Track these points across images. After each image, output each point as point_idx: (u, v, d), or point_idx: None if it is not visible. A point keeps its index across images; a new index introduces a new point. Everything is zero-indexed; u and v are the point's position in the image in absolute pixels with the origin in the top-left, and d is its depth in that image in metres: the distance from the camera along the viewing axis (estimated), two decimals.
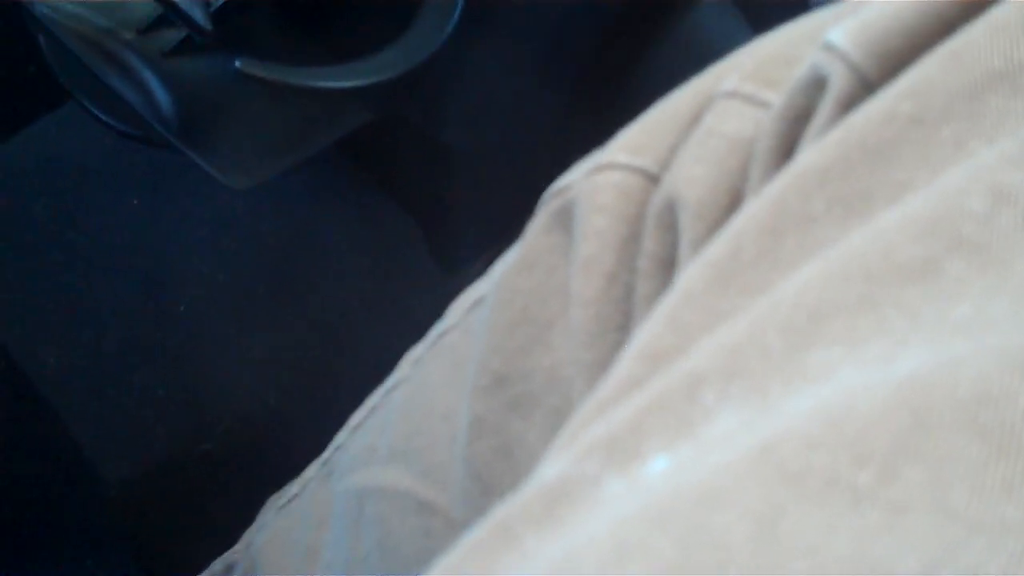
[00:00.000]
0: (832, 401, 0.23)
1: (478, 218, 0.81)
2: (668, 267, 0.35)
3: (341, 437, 0.51)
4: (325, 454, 0.53)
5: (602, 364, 0.36)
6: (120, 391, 0.75)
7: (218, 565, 0.62)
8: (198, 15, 0.61)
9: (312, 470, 0.54)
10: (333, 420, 0.53)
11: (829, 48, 0.31)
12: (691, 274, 0.29)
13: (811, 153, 0.29)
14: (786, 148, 0.32)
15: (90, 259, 0.78)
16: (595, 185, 0.37)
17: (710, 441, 0.24)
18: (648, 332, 0.29)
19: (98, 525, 0.68)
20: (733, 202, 0.33)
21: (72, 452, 0.70)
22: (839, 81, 0.31)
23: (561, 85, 0.76)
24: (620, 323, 0.36)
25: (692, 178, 0.34)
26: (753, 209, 0.29)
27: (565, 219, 0.38)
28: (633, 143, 0.37)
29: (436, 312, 0.46)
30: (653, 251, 0.35)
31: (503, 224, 0.58)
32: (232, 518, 0.63)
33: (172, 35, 0.63)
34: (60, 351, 0.75)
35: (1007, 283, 0.24)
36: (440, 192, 0.80)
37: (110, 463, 0.73)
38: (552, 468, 0.26)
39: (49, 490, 0.67)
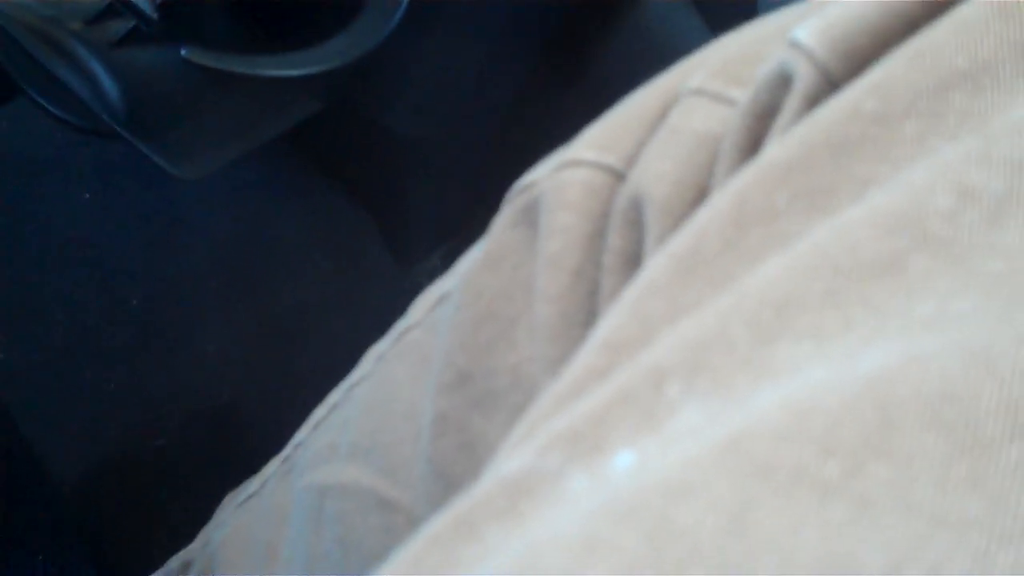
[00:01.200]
0: (799, 396, 0.23)
1: (432, 210, 0.81)
2: (633, 264, 0.35)
3: (301, 434, 0.51)
4: (285, 451, 0.53)
5: (566, 361, 0.36)
6: (70, 386, 0.75)
7: (174, 563, 0.62)
8: (145, 4, 0.61)
9: (272, 467, 0.54)
10: (287, 415, 0.52)
11: (795, 46, 0.31)
12: (655, 265, 0.29)
13: (775, 148, 0.29)
14: (752, 145, 0.32)
15: (41, 253, 0.77)
16: (561, 182, 0.37)
17: (675, 435, 0.24)
18: (611, 322, 0.29)
19: (50, 522, 0.68)
20: (699, 198, 0.33)
21: (22, 448, 0.69)
22: (804, 79, 0.31)
23: (512, 76, 0.75)
24: (585, 320, 0.36)
25: (658, 174, 0.34)
26: (717, 202, 0.29)
27: (531, 216, 0.38)
28: (599, 140, 0.37)
29: (392, 305, 0.46)
30: (619, 248, 0.35)
31: (457, 217, 0.58)
32: (189, 515, 0.63)
33: (119, 25, 0.63)
34: (9, 346, 0.74)
35: (972, 280, 0.24)
36: (393, 184, 0.80)
37: (61, 459, 0.72)
38: (513, 461, 0.26)
39: None
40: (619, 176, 0.36)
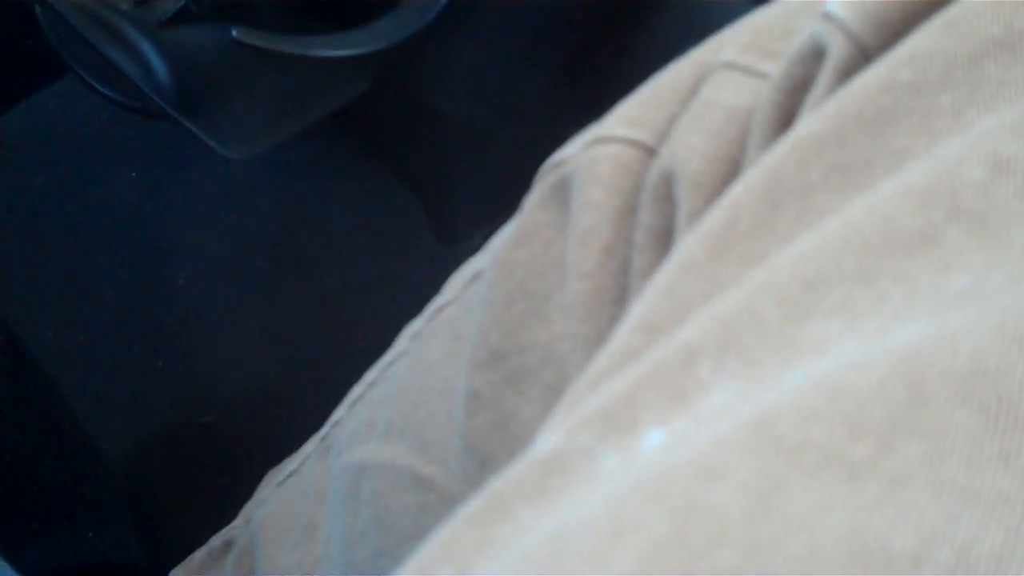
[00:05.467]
0: (829, 374, 0.23)
1: (476, 190, 0.81)
2: (665, 240, 0.35)
3: (339, 412, 0.51)
4: (324, 429, 0.53)
5: (598, 337, 0.36)
6: (119, 364, 0.75)
7: (217, 541, 0.62)
8: None
9: (311, 445, 0.54)
10: (333, 394, 0.52)
11: (828, 18, 0.31)
12: (688, 244, 0.29)
13: (809, 122, 0.29)
14: (784, 119, 0.32)
15: (89, 231, 0.78)
16: (592, 158, 0.37)
17: (706, 414, 0.24)
18: (645, 303, 0.29)
19: (97, 498, 0.68)
20: (730, 173, 0.33)
21: (71, 425, 0.70)
22: (837, 51, 0.30)
23: (558, 56, 0.75)
24: (616, 296, 0.36)
25: (690, 148, 0.34)
26: (751, 178, 0.29)
27: (562, 192, 0.38)
28: (630, 116, 0.37)
29: (435, 286, 0.46)
30: (650, 224, 0.35)
31: (502, 196, 0.58)
32: (232, 492, 0.63)
33: (169, 5, 0.63)
34: (59, 324, 0.75)
35: (1005, 254, 0.24)
36: (438, 164, 0.80)
37: (109, 436, 0.73)
38: (547, 441, 0.26)
39: (48, 463, 0.67)
40: (650, 151, 0.36)
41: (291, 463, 0.56)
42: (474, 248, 0.45)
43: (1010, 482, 0.20)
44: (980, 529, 0.20)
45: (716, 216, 0.29)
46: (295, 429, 0.58)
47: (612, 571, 0.21)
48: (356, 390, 0.50)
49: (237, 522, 0.61)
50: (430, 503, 0.43)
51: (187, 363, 0.76)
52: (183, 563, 0.64)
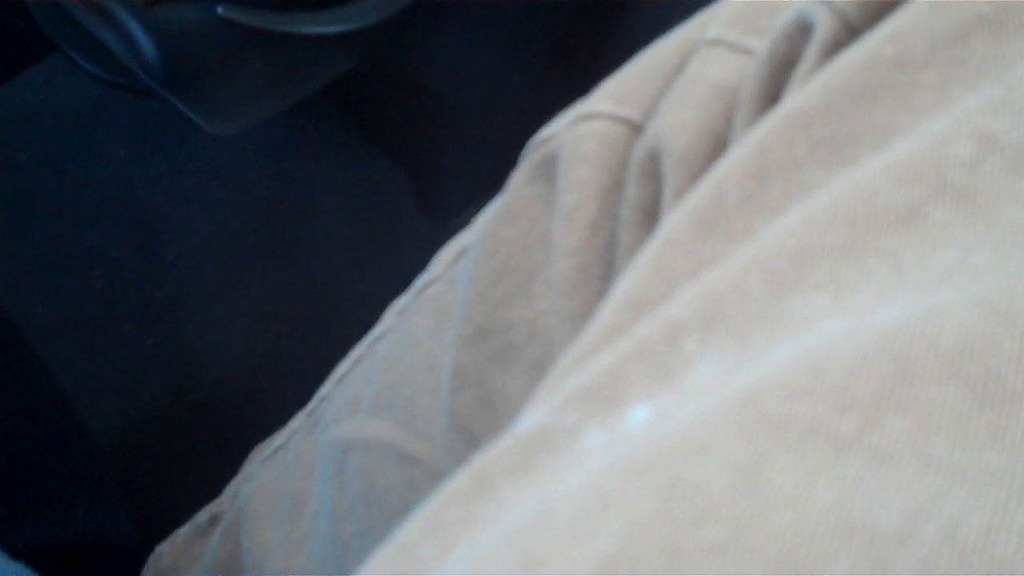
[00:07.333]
0: (814, 349, 0.23)
1: (466, 167, 0.80)
2: (651, 217, 0.35)
3: (326, 388, 0.51)
4: (310, 405, 0.53)
5: (584, 314, 0.36)
6: (108, 342, 0.75)
7: (203, 516, 0.62)
8: None
9: (297, 421, 0.54)
10: (320, 370, 0.52)
11: None
12: (674, 220, 0.29)
13: (795, 98, 0.29)
14: (770, 95, 0.32)
15: (77, 209, 0.77)
16: (578, 135, 0.37)
17: (691, 390, 0.24)
18: (630, 279, 0.29)
19: (87, 476, 0.68)
20: (716, 149, 0.33)
21: (60, 402, 0.69)
22: (824, 27, 0.30)
23: (548, 34, 0.75)
24: (602, 273, 0.36)
25: (676, 125, 0.34)
26: (736, 154, 0.29)
27: (548, 169, 0.38)
28: (616, 93, 0.37)
29: (423, 263, 0.46)
30: (636, 200, 0.35)
31: (491, 174, 0.58)
32: (221, 468, 0.63)
33: None
34: (47, 302, 0.75)
35: (991, 231, 0.24)
36: (428, 140, 0.80)
37: (99, 414, 0.73)
38: (531, 418, 0.26)
39: (37, 441, 0.67)
40: (636, 128, 0.36)
41: (278, 438, 0.56)
42: (462, 226, 0.45)
43: (998, 459, 0.20)
44: (967, 506, 0.20)
45: (702, 192, 0.29)
46: (284, 405, 0.58)
47: (596, 547, 0.21)
48: (343, 366, 0.50)
49: (223, 497, 0.61)
50: (417, 479, 0.43)
51: (176, 340, 0.76)
52: (168, 538, 0.65)
